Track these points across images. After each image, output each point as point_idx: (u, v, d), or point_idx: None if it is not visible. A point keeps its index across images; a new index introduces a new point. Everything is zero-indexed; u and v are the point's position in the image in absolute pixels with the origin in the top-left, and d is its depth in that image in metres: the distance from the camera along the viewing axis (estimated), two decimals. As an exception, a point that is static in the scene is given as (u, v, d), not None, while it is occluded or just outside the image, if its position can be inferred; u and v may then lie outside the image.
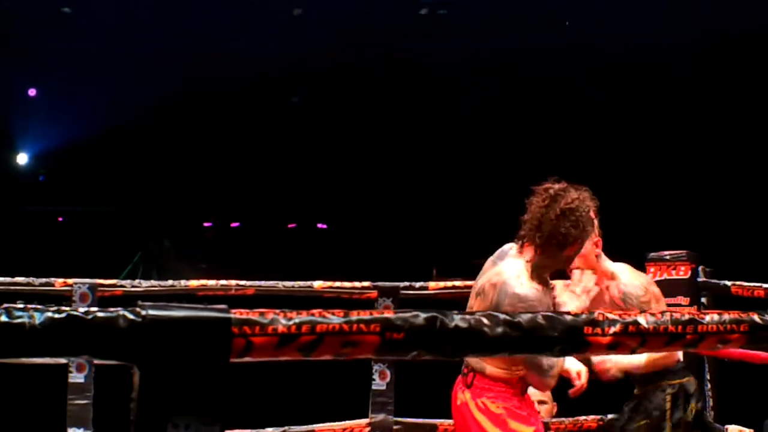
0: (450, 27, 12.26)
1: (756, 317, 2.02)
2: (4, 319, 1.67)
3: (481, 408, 3.76)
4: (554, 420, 5.34)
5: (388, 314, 1.79)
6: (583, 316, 1.94)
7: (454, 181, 12.75)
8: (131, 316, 1.71)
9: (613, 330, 1.91)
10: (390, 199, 12.93)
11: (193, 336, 1.70)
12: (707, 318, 1.99)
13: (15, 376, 7.30)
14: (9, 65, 12.03)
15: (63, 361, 5.24)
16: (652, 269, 5.59)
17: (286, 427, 5.35)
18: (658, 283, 5.55)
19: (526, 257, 3.69)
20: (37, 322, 1.68)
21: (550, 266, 3.72)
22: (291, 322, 1.75)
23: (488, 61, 12.40)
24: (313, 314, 1.77)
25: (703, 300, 5.58)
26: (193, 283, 5.47)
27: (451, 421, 5.47)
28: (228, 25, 12.04)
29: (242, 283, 5.46)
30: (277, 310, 1.76)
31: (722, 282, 5.46)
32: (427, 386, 7.84)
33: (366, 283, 5.58)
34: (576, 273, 4.15)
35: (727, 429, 5.17)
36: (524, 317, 1.85)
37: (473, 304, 3.78)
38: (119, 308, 1.73)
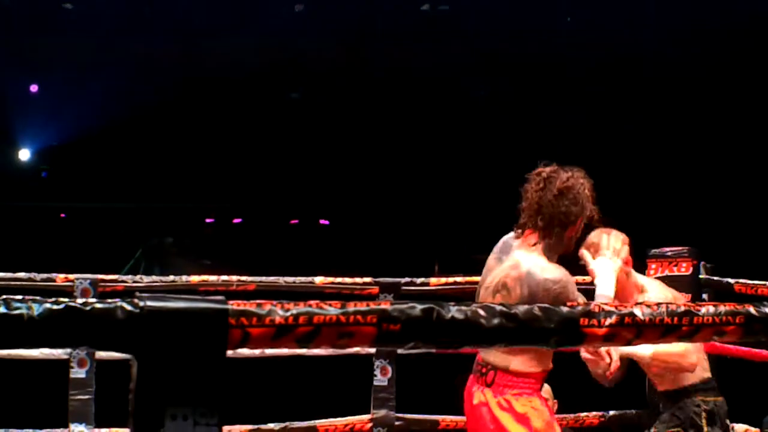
0: (451, 23, 12.26)
1: (752, 309, 2.03)
2: (2, 310, 1.68)
3: (503, 406, 3.69)
4: (556, 417, 5.34)
5: (385, 305, 1.80)
6: (579, 307, 1.95)
7: (456, 176, 12.75)
8: (129, 308, 1.72)
9: (609, 321, 1.91)
10: (392, 195, 12.93)
11: (190, 327, 1.71)
12: (703, 310, 2.00)
13: (17, 372, 7.31)
14: (10, 61, 12.03)
15: (64, 356, 5.26)
16: (653, 266, 5.59)
17: (288, 423, 5.36)
18: (660, 279, 5.56)
19: (533, 244, 3.68)
20: (35, 313, 1.69)
21: (558, 249, 3.71)
22: (288, 313, 1.76)
23: (489, 58, 12.39)
24: (310, 305, 1.78)
25: (705, 297, 5.58)
26: (195, 278, 5.49)
27: (452, 417, 5.51)
28: (229, 20, 12.05)
29: (243, 278, 5.48)
30: (275, 302, 1.77)
31: (725, 279, 5.46)
32: (429, 382, 7.86)
33: (367, 279, 5.59)
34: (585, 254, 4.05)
35: (733, 428, 5.15)
36: (520, 309, 1.86)
37: (490, 301, 3.74)
38: (117, 299, 1.74)
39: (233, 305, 1.75)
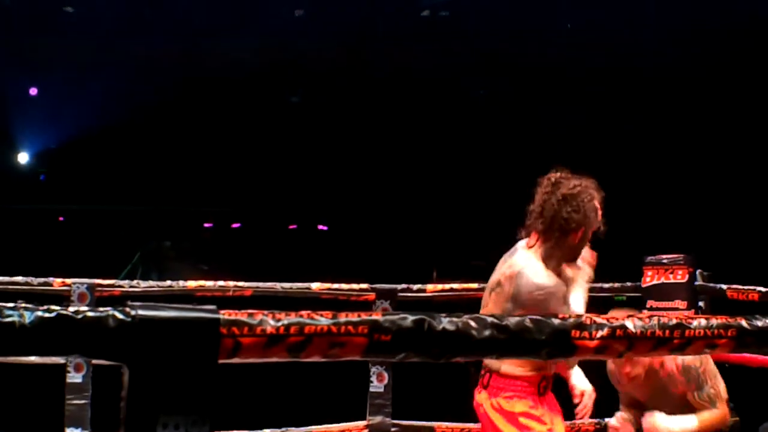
0: (451, 25, 12.27)
1: (744, 322, 2.03)
2: (-6, 317, 1.68)
3: (495, 407, 3.75)
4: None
5: (376, 316, 1.80)
6: (571, 319, 1.95)
7: (455, 182, 12.76)
8: (121, 316, 1.72)
9: (600, 334, 1.91)
10: (391, 201, 12.93)
11: (182, 336, 1.72)
12: (695, 323, 2.00)
13: (13, 376, 7.31)
14: (10, 64, 12.04)
15: (61, 361, 5.26)
16: (649, 273, 5.60)
17: (284, 429, 5.36)
18: (656, 287, 5.57)
19: (535, 247, 3.70)
20: (27, 321, 1.69)
21: (558, 256, 3.71)
22: (279, 323, 1.77)
23: (488, 62, 12.40)
24: (301, 315, 1.79)
25: (701, 304, 5.59)
26: (191, 283, 5.49)
27: (447, 424, 5.53)
28: (229, 22, 12.05)
29: (240, 284, 5.47)
30: (266, 311, 1.78)
31: (719, 285, 5.47)
32: (425, 389, 7.86)
33: (364, 285, 5.59)
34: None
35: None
36: (511, 320, 1.86)
37: (488, 300, 3.77)
38: (109, 308, 1.74)
39: (225, 314, 1.76)
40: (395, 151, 12.95)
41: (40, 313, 1.70)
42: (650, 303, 5.59)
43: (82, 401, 5.25)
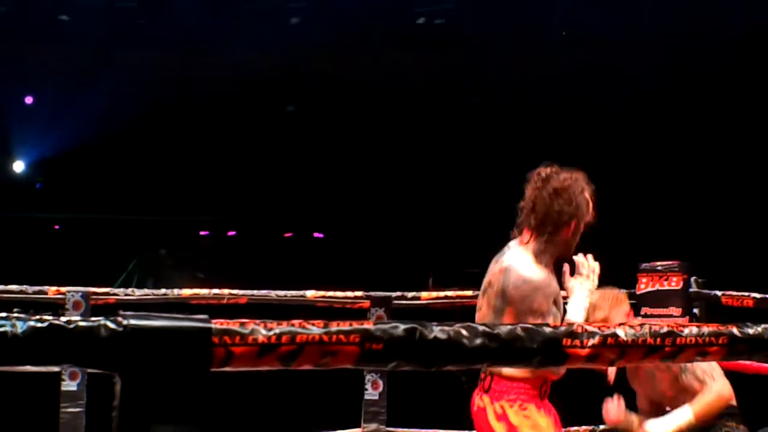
0: (447, 36, 12.29)
1: (735, 330, 2.03)
2: (-14, 327, 1.68)
3: (498, 414, 3.65)
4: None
5: (368, 325, 1.80)
6: (563, 327, 1.95)
7: (451, 190, 12.76)
8: (113, 326, 1.72)
9: (591, 342, 1.91)
10: (387, 209, 12.94)
11: (173, 346, 1.72)
12: (686, 331, 2.00)
13: (8, 384, 7.30)
14: (6, 72, 12.04)
15: (56, 369, 5.25)
16: (644, 280, 5.60)
17: (279, 436, 5.36)
18: (651, 294, 5.57)
19: (526, 242, 3.68)
20: (19, 330, 1.69)
21: (551, 251, 3.67)
22: (271, 333, 1.76)
23: (485, 70, 12.42)
24: (293, 325, 1.79)
25: (696, 311, 5.59)
26: (186, 292, 5.48)
27: (442, 431, 5.52)
28: (224, 34, 12.06)
29: (235, 292, 5.47)
30: (258, 321, 1.78)
31: (713, 292, 5.47)
32: (420, 396, 7.86)
33: (358, 293, 5.59)
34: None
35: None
36: (503, 329, 1.86)
37: (482, 303, 3.74)
38: (101, 318, 1.74)
39: (216, 324, 1.76)
40: (391, 159, 12.96)
41: (32, 323, 1.70)
42: (645, 310, 5.58)
43: (77, 409, 5.23)
